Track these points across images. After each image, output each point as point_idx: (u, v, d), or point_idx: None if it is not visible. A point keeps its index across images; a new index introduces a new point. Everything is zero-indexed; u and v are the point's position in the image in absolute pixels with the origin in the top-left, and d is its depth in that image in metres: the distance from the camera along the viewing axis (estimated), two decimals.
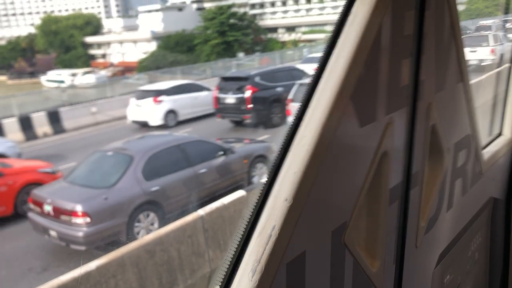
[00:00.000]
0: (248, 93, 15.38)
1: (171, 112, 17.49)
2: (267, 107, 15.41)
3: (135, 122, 17.97)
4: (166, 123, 17.28)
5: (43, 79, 45.07)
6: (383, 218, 1.26)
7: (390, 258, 1.39)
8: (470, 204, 2.00)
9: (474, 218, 2.06)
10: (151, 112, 17.33)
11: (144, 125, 17.51)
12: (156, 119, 17.21)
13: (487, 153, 2.17)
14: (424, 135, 1.45)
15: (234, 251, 0.96)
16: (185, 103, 17.64)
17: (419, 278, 1.63)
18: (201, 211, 5.96)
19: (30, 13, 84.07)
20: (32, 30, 69.77)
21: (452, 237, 1.85)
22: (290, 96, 13.01)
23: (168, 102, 17.46)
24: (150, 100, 17.45)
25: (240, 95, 15.59)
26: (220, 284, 0.96)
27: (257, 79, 15.81)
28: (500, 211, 2.37)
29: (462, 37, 1.64)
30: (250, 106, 15.29)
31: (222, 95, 16.10)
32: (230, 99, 15.87)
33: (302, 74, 16.09)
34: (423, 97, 1.39)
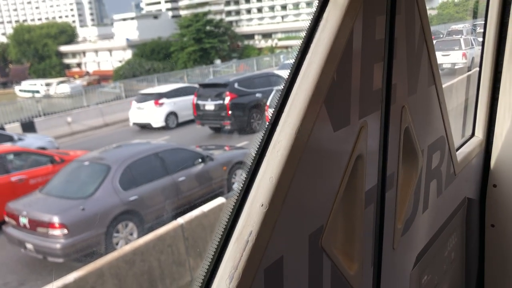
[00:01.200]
0: (227, 100, 15.39)
1: (171, 114, 18.04)
2: (246, 113, 15.44)
3: (136, 124, 18.44)
4: (167, 124, 17.81)
5: (16, 89, 44.12)
6: (359, 221, 1.27)
7: (368, 260, 1.40)
8: (445, 205, 2.03)
9: (450, 219, 2.09)
10: (153, 114, 17.84)
11: (144, 127, 18.02)
12: (157, 121, 17.75)
13: (460, 154, 2.20)
14: (398, 138, 1.47)
15: (211, 258, 0.96)
16: (185, 105, 18.02)
17: (397, 280, 1.65)
18: (181, 220, 5.91)
19: (1, 23, 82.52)
20: (4, 40, 68.43)
21: (428, 238, 1.88)
22: (269, 102, 13.05)
23: (168, 105, 18.00)
24: (151, 103, 17.93)
25: (219, 102, 15.59)
26: None
27: (236, 85, 15.84)
28: (474, 211, 2.41)
29: (435, 41, 1.67)
30: (230, 112, 15.30)
31: (201, 102, 16.09)
32: (209, 105, 15.86)
33: (280, 80, 16.14)
34: (396, 101, 1.41)
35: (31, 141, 13.52)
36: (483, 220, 2.56)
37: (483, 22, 2.45)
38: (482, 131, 2.51)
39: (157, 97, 18.22)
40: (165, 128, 17.62)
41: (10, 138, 13.39)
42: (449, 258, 2.14)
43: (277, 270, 1.00)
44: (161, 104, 17.90)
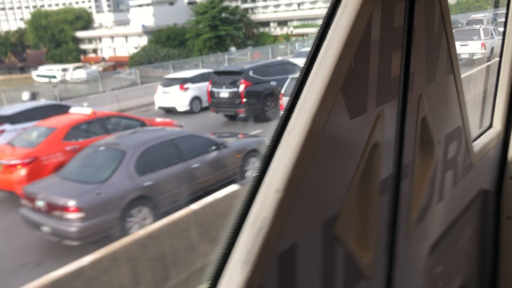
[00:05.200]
0: (241, 87, 15.36)
1: (196, 99, 18.38)
2: (260, 101, 15.40)
3: (161, 108, 18.84)
4: (192, 109, 18.19)
5: (34, 74, 44.62)
6: (374, 209, 1.27)
7: (381, 249, 1.40)
8: (461, 196, 2.02)
9: (465, 210, 2.07)
10: (178, 98, 18.20)
11: (169, 111, 18.36)
12: (182, 105, 18.15)
13: (477, 145, 2.18)
14: (414, 127, 1.45)
15: (226, 243, 0.96)
16: None
17: (410, 269, 1.64)
18: (194, 206, 5.95)
19: (19, 8, 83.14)
20: (22, 25, 69.03)
21: (443, 228, 1.86)
22: (283, 90, 12.99)
23: (193, 90, 18.34)
24: (176, 87, 18.32)
25: (233, 89, 15.57)
26: (212, 275, 0.96)
27: (250, 73, 15.78)
28: (490, 203, 2.39)
29: (454, 30, 1.64)
30: (244, 100, 15.28)
31: (215, 89, 16.08)
32: (224, 93, 15.85)
33: (295, 68, 16.04)
34: (414, 89, 1.39)
35: None
36: (498, 212, 2.54)
37: (505, 11, 2.40)
38: (501, 122, 2.47)
39: (182, 81, 18.53)
40: (189, 112, 18.00)
41: None
42: (463, 250, 2.12)
43: (291, 256, 1.00)
44: (186, 88, 18.23)
